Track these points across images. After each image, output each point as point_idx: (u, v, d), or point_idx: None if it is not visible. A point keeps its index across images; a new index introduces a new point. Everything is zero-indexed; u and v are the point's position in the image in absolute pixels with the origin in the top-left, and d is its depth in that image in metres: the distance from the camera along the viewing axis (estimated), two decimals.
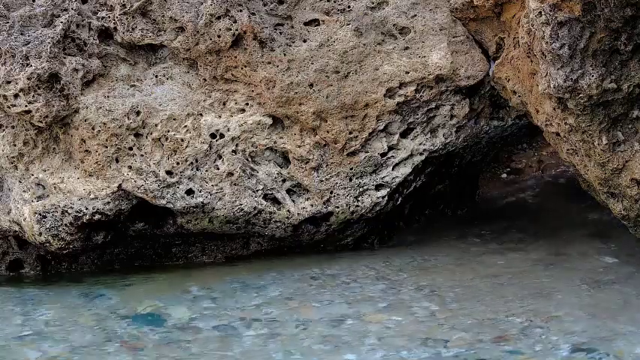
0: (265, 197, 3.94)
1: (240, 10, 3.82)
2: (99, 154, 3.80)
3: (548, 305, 3.34)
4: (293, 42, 3.89)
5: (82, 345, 3.21)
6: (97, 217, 3.82)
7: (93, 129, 3.80)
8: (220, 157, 3.88)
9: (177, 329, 3.32)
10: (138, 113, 3.82)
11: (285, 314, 3.42)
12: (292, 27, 3.91)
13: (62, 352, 3.16)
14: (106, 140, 3.80)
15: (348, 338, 3.15)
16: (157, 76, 3.90)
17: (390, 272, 3.85)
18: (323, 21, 3.92)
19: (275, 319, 3.37)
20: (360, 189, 3.98)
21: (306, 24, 3.93)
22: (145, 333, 3.31)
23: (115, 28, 3.86)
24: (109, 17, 3.87)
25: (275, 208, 3.94)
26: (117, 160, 3.82)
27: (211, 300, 3.62)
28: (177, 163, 3.84)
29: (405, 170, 4.04)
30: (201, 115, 3.88)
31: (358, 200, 3.99)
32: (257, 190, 3.92)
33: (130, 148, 3.83)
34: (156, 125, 3.84)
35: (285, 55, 3.86)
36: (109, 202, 3.82)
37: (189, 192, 3.86)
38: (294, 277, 3.84)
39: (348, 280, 3.78)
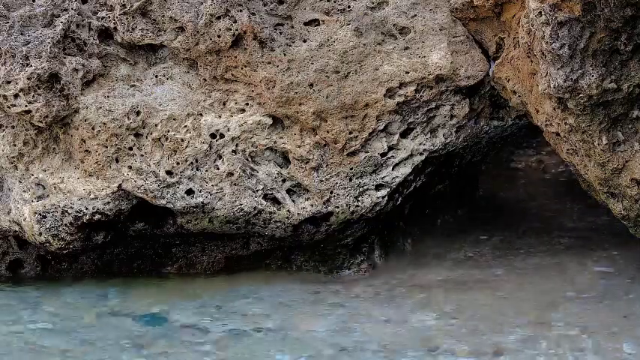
0: (265, 197, 3.94)
1: (240, 10, 3.82)
2: (99, 154, 3.80)
3: (549, 319, 3.32)
4: (293, 42, 3.89)
5: (84, 344, 3.23)
6: (97, 217, 3.82)
7: (93, 129, 3.80)
8: (220, 157, 3.88)
9: (179, 331, 3.33)
10: (138, 113, 3.82)
11: (285, 323, 3.42)
12: (292, 27, 3.91)
13: (71, 347, 3.18)
14: (106, 140, 3.80)
15: (347, 349, 3.15)
16: (157, 76, 3.90)
17: (387, 282, 3.87)
18: (323, 21, 3.92)
19: (275, 328, 3.37)
20: (360, 189, 3.98)
21: (306, 24, 3.92)
22: (146, 334, 3.32)
23: (115, 28, 3.86)
24: (109, 17, 3.87)
25: (275, 208, 3.94)
26: (117, 160, 3.82)
27: (213, 307, 3.63)
28: (177, 163, 3.84)
29: (405, 170, 4.04)
30: (201, 115, 3.88)
31: (358, 200, 3.99)
32: (257, 190, 3.92)
33: (130, 148, 3.83)
34: (156, 125, 3.84)
35: (285, 55, 3.86)
36: (109, 202, 3.82)
37: (189, 192, 3.86)
38: (295, 287, 3.84)
39: (347, 292, 3.79)
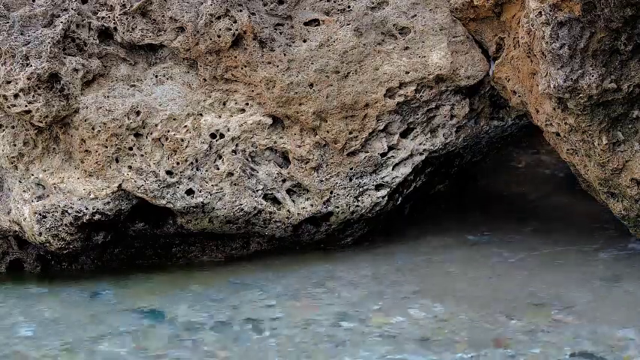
0: (265, 197, 3.95)
1: (240, 10, 3.82)
2: (99, 154, 3.80)
3: (551, 310, 3.33)
4: (293, 42, 3.90)
5: (81, 341, 3.22)
6: (97, 217, 3.82)
7: (93, 129, 3.80)
8: (220, 157, 3.89)
9: (177, 327, 3.33)
10: (138, 113, 3.82)
11: (285, 314, 3.43)
12: (292, 27, 3.91)
13: (62, 349, 3.17)
14: (106, 140, 3.80)
15: (347, 338, 3.16)
16: (157, 76, 3.90)
17: (389, 273, 3.86)
18: (323, 21, 3.92)
19: (276, 319, 3.37)
20: (360, 189, 3.99)
21: (306, 24, 3.93)
22: (145, 330, 3.32)
23: (115, 28, 3.86)
24: (109, 17, 3.87)
25: (275, 208, 3.94)
26: (117, 160, 3.82)
27: (212, 299, 3.63)
28: (177, 163, 3.84)
29: (405, 170, 4.04)
30: (201, 115, 3.88)
31: (358, 200, 3.99)
32: (257, 190, 3.92)
33: (130, 148, 3.83)
34: (156, 125, 3.84)
35: (285, 55, 3.87)
36: (109, 202, 3.82)
37: (190, 192, 3.86)
38: (295, 277, 3.84)
39: (348, 281, 3.79)
